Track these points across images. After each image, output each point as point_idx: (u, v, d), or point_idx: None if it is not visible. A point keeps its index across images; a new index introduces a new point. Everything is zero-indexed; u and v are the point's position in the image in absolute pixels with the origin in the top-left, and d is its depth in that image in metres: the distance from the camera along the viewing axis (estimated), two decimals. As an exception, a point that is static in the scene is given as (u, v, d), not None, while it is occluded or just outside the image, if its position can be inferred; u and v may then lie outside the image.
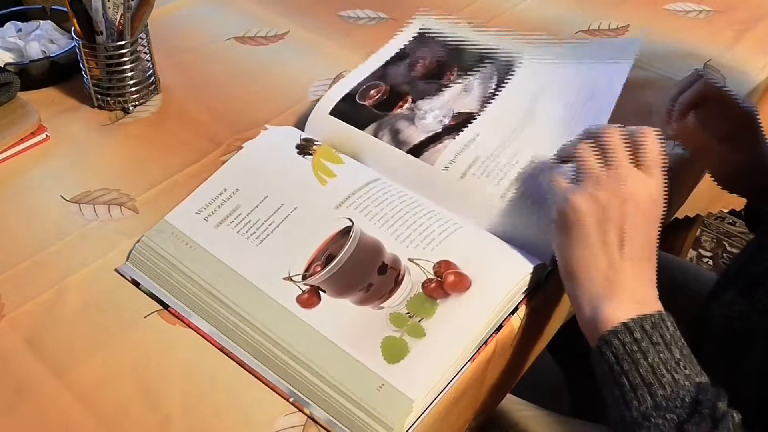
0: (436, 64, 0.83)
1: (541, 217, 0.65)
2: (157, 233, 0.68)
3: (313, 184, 0.71)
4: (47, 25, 0.93)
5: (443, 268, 0.64)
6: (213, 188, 0.72)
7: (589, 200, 0.59)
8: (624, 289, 0.57)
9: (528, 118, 0.75)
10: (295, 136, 0.77)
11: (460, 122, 0.75)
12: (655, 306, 0.56)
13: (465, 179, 0.70)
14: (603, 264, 0.57)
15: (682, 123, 0.73)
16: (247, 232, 0.67)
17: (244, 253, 0.66)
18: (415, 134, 0.75)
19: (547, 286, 0.66)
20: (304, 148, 0.75)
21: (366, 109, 0.78)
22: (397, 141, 0.74)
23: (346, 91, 0.80)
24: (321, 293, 0.63)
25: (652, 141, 0.60)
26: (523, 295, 0.64)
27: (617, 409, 0.54)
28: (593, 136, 0.62)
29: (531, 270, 0.63)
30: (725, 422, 0.49)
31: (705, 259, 1.76)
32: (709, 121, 0.74)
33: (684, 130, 0.73)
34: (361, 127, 0.76)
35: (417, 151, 0.73)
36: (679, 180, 0.86)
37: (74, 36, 0.83)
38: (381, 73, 0.83)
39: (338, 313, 0.62)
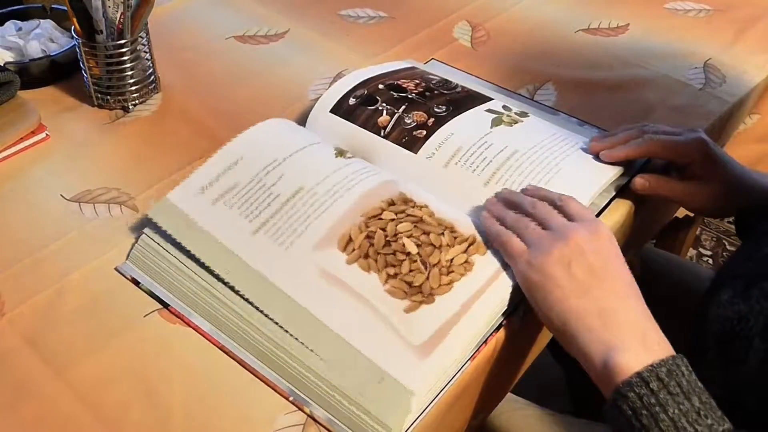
0: (426, 90, 0.82)
1: None
2: (157, 213, 0.67)
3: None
4: (47, 24, 0.93)
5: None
6: (215, 168, 0.70)
7: (549, 257, 0.59)
8: (626, 330, 0.56)
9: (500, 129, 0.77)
10: (296, 127, 0.77)
11: (434, 122, 0.77)
12: (664, 348, 0.55)
13: (448, 168, 0.72)
14: (592, 307, 0.57)
15: (642, 176, 0.73)
16: (250, 214, 0.67)
17: (244, 234, 0.66)
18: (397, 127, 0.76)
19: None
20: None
21: (362, 108, 0.79)
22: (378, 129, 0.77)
23: (347, 89, 0.80)
24: None
25: (574, 203, 0.63)
26: (522, 295, 0.64)
27: None
28: (523, 210, 0.64)
29: None
30: None
31: (705, 258, 1.76)
32: (666, 165, 0.75)
33: (646, 184, 0.73)
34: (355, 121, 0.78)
35: (398, 138, 0.75)
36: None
37: (74, 35, 0.83)
38: (384, 78, 0.83)
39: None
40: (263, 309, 0.61)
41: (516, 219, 0.64)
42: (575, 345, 0.57)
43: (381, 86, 0.81)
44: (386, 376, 0.57)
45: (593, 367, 0.56)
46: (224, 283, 0.63)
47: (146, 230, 0.68)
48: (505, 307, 0.62)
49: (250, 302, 0.62)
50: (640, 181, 0.73)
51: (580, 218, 0.62)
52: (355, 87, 0.81)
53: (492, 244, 0.64)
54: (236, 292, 0.62)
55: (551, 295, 0.58)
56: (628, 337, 0.55)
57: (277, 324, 0.60)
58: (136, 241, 0.68)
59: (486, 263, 0.63)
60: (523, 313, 0.64)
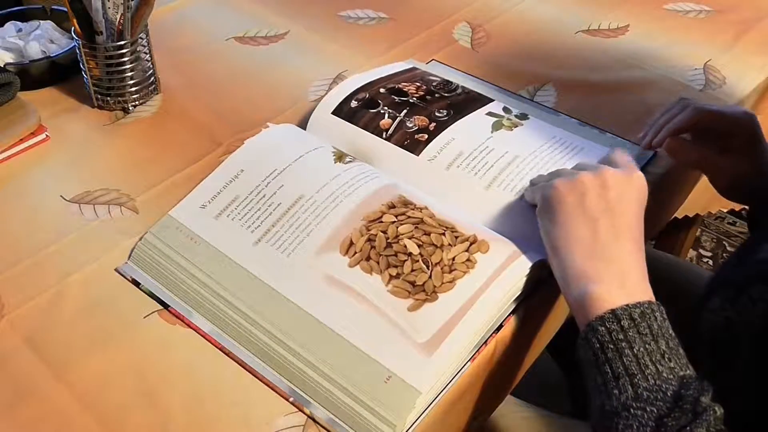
0: (427, 93, 0.82)
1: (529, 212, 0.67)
2: (162, 229, 0.68)
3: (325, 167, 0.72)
4: (47, 25, 0.93)
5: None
6: (216, 183, 0.72)
7: (569, 181, 0.61)
8: (609, 266, 0.57)
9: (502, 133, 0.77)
10: (297, 133, 0.77)
11: (436, 126, 0.77)
12: (644, 294, 0.56)
13: (450, 171, 0.72)
14: (585, 237, 0.59)
15: (675, 139, 0.73)
16: (251, 225, 0.67)
17: (247, 245, 0.66)
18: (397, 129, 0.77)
19: (547, 286, 0.66)
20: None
21: (364, 110, 0.79)
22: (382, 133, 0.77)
23: (349, 92, 0.80)
24: None
25: (621, 155, 0.65)
26: (524, 295, 0.64)
27: (598, 396, 0.54)
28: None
29: (531, 266, 0.63)
30: (705, 416, 0.50)
31: (705, 259, 1.76)
32: (706, 136, 0.74)
33: (679, 147, 0.73)
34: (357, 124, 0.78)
35: (400, 141, 0.76)
36: (677, 180, 0.86)
37: (74, 36, 0.83)
38: (385, 81, 0.84)
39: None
40: (268, 317, 0.61)
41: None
42: (559, 269, 0.59)
43: (382, 90, 0.81)
44: (393, 376, 0.57)
45: (569, 294, 0.58)
46: (230, 281, 0.64)
47: (151, 228, 0.69)
48: (509, 304, 0.63)
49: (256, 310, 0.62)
50: (673, 144, 0.72)
51: (622, 165, 0.63)
52: (356, 90, 0.81)
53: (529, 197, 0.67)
54: (239, 303, 0.63)
55: (556, 216, 0.60)
56: (609, 273, 0.57)
57: (281, 329, 0.61)
58: (139, 240, 0.68)
59: (488, 261, 0.63)
60: (524, 314, 0.64)
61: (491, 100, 0.82)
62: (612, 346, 0.53)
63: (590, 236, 0.59)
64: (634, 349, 0.52)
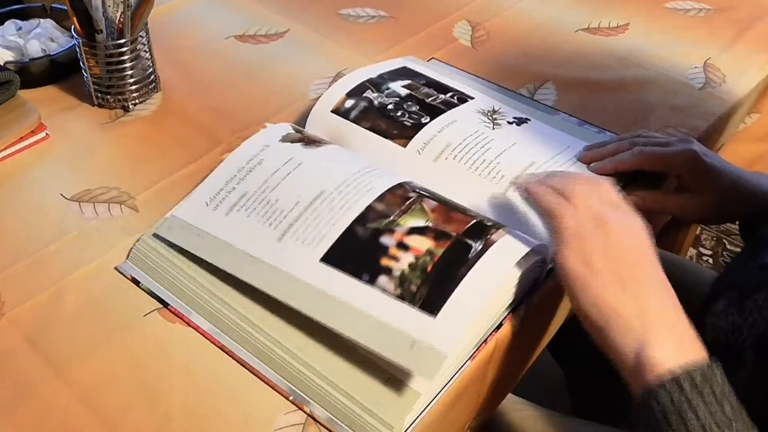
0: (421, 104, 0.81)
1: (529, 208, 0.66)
2: (167, 230, 0.68)
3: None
4: (47, 24, 0.93)
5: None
6: (204, 194, 0.70)
7: (590, 248, 0.58)
8: (662, 327, 0.55)
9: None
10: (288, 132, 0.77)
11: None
12: (699, 349, 0.55)
13: (438, 163, 0.72)
14: (629, 302, 0.56)
15: (636, 195, 0.72)
16: (263, 216, 0.67)
17: (262, 237, 0.65)
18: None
19: (546, 285, 0.66)
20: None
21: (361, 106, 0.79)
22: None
23: (348, 90, 0.80)
24: None
25: (608, 188, 0.61)
26: (524, 294, 0.64)
27: None
28: (556, 191, 0.62)
29: (534, 261, 0.62)
30: None
31: (705, 258, 1.76)
32: (655, 180, 0.74)
33: (639, 202, 0.71)
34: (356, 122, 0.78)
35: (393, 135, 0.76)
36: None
37: (74, 34, 0.83)
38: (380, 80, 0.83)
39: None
40: (298, 308, 0.60)
41: (555, 206, 0.61)
42: (607, 338, 0.56)
43: (375, 90, 0.80)
44: (391, 377, 0.57)
45: (624, 361, 0.55)
46: (228, 284, 0.64)
47: (152, 229, 0.68)
48: (508, 301, 0.62)
49: (279, 302, 0.61)
50: (633, 200, 0.71)
51: (615, 206, 0.60)
52: (354, 88, 0.81)
53: (541, 211, 0.62)
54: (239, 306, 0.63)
55: (589, 287, 0.57)
56: (664, 334, 0.54)
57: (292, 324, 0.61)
58: (137, 241, 0.68)
59: (496, 251, 0.61)
60: (524, 313, 0.64)
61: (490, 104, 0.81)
62: (675, 414, 0.51)
63: (631, 301, 0.56)
64: (700, 416, 0.50)
